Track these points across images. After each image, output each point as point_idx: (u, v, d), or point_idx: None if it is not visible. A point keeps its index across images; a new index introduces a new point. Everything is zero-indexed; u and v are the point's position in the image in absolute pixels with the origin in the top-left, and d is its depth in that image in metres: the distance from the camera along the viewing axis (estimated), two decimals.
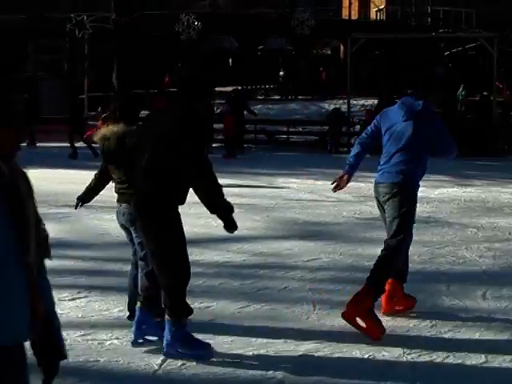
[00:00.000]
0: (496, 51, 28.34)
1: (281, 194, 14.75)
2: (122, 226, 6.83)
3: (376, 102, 29.53)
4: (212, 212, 6.13)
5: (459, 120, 26.93)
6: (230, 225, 6.11)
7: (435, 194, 15.21)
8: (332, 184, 7.21)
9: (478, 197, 15.12)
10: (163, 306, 6.00)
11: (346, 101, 30.68)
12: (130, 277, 6.90)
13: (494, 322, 7.07)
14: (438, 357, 6.12)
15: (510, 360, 6.08)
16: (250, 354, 6.16)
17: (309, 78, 41.47)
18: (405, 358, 6.09)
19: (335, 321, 6.94)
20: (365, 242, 10.12)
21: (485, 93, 29.89)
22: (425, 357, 6.13)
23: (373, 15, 56.20)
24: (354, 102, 31.94)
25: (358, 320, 6.54)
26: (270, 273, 8.76)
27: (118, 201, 6.80)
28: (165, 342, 6.01)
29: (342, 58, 46.03)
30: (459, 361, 6.05)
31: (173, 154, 5.80)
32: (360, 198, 13.73)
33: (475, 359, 6.09)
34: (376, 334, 6.49)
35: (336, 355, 6.15)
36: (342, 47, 46.80)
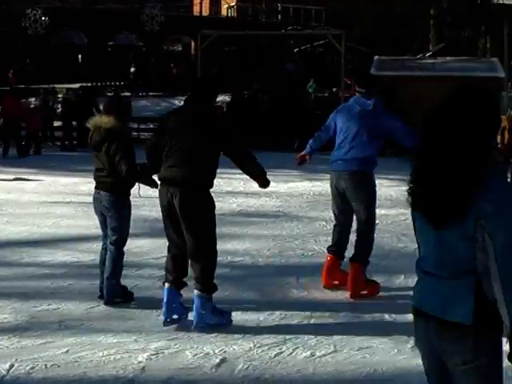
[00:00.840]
0: (343, 48, 29.05)
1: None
2: (99, 212, 7.48)
3: (226, 98, 29.71)
4: (254, 177, 7.01)
5: (309, 116, 27.39)
6: (266, 183, 6.95)
7: (285, 188, 15.43)
8: (297, 159, 8.29)
9: (326, 190, 15.34)
10: (196, 284, 6.62)
11: None
12: (101, 260, 7.57)
13: (343, 313, 7.25)
14: (288, 348, 6.22)
15: (357, 349, 6.26)
16: (100, 354, 6.07)
17: (159, 74, 41.25)
18: (255, 351, 6.16)
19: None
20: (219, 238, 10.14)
21: (334, 89, 30.59)
22: (275, 349, 6.21)
23: (224, 12, 56.59)
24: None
25: (362, 292, 7.67)
26: None
27: (96, 188, 7.46)
28: (197, 316, 6.64)
29: (192, 55, 46.09)
30: (308, 352, 6.16)
31: (213, 142, 6.61)
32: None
33: (324, 349, 6.23)
34: (376, 291, 7.75)
35: (187, 352, 6.14)
36: (193, 44, 46.86)
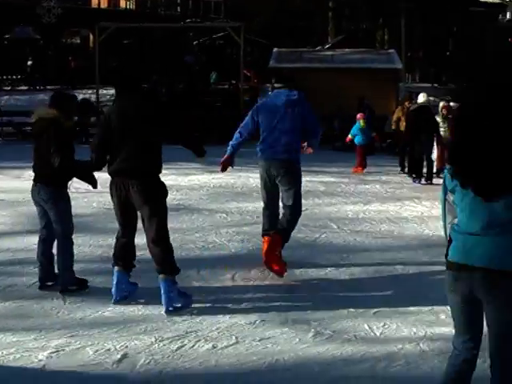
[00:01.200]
0: (242, 40, 29.14)
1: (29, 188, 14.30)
2: (37, 203, 7.60)
3: None
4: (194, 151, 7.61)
5: (209, 109, 27.40)
6: (202, 152, 7.57)
7: (185, 181, 15.41)
8: (221, 165, 8.73)
9: (227, 182, 15.47)
10: (160, 268, 6.98)
11: (95, 90, 30.30)
12: (39, 251, 7.72)
13: (244, 304, 7.29)
14: (190, 341, 6.23)
15: (259, 339, 6.30)
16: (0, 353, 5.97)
17: (58, 67, 40.51)
18: (157, 345, 6.14)
19: (87, 312, 6.91)
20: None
21: (233, 81, 30.67)
22: (177, 342, 6.21)
23: (123, 4, 55.91)
24: (104, 91, 31.60)
25: (273, 265, 8.06)
26: (19, 268, 8.48)
27: (34, 180, 7.58)
28: (167, 299, 6.93)
29: (91, 47, 45.44)
30: (210, 344, 6.18)
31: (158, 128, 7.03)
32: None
33: (226, 341, 6.26)
34: (283, 271, 8.10)
35: (88, 348, 6.08)
36: (91, 36, 46.19)
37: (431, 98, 24.39)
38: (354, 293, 7.69)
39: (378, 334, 6.53)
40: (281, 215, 8.52)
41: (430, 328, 6.64)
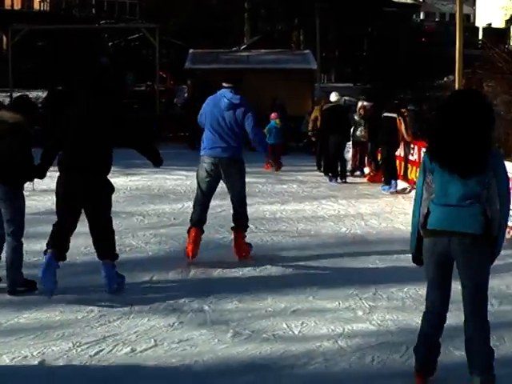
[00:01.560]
0: (158, 42, 29.02)
1: None
2: None
3: (40, 93, 29.00)
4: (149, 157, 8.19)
5: (126, 110, 27.18)
6: (159, 160, 8.21)
7: None
8: None
9: (143, 185, 15.40)
10: (105, 256, 7.64)
11: (9, 94, 29.71)
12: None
13: (162, 306, 7.27)
14: (108, 346, 6.18)
15: (178, 341, 6.29)
16: None
17: None
18: (75, 351, 6.07)
19: (1, 319, 6.81)
20: (35, 237, 9.89)
21: (149, 82, 30.51)
22: (95, 347, 6.15)
23: (37, 6, 55.04)
24: (18, 94, 30.96)
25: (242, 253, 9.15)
26: None
27: None
28: (110, 281, 7.61)
29: (4, 50, 44.61)
30: (129, 348, 6.14)
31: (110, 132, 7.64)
32: None
33: (145, 344, 6.23)
34: (249, 251, 9.21)
35: (4, 356, 5.93)
36: (4, 38, 45.35)
37: (346, 98, 24.69)
38: (272, 292, 7.72)
39: (296, 332, 6.59)
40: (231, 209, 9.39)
41: (347, 325, 6.73)
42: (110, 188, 7.82)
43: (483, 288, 5.20)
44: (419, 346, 5.42)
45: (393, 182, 15.08)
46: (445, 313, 5.36)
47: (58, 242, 7.62)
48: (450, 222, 5.13)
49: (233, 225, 9.34)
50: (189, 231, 9.07)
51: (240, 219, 9.26)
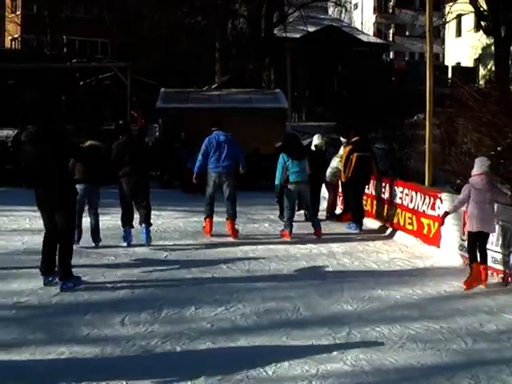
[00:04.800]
0: (129, 80, 29.05)
1: None
2: None
3: (10, 132, 28.81)
4: None
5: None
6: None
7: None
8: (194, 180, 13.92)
9: (114, 224, 15.21)
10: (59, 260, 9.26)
11: None
12: None
13: (133, 347, 7.19)
14: None
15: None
16: None
17: None
18: None
19: None
20: (5, 278, 9.80)
21: (120, 121, 30.41)
22: None
23: (8, 44, 55.06)
24: None
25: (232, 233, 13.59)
26: None
27: None
28: (61, 282, 9.17)
29: None
30: None
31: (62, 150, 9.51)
32: None
33: None
34: (237, 234, 13.72)
35: None
36: None
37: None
38: (245, 333, 7.68)
39: (270, 373, 6.54)
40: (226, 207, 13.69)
41: (321, 365, 6.69)
42: (73, 193, 9.58)
43: None
44: None
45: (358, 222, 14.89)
46: None
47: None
48: (298, 178, 13.14)
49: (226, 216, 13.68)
50: (205, 219, 13.64)
51: (232, 211, 13.58)
